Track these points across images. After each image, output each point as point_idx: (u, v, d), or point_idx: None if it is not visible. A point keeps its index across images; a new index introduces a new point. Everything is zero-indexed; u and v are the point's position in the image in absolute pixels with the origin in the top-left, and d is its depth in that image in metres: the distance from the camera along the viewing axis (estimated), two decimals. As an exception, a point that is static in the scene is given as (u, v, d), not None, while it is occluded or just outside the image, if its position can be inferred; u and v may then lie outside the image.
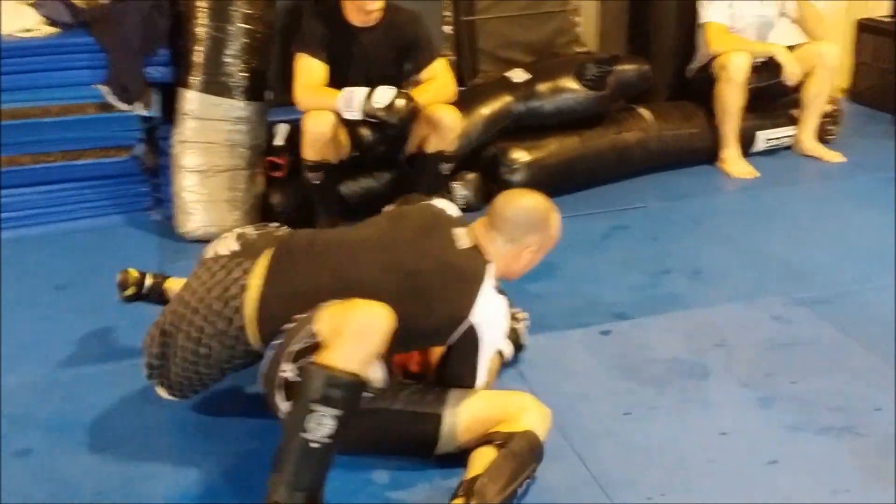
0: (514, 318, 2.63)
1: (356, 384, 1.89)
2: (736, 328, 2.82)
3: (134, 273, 2.74)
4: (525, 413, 2.14)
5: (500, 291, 2.30)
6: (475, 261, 2.20)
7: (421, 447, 2.18)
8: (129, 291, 2.73)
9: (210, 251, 2.32)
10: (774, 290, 3.05)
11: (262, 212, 3.67)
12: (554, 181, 3.88)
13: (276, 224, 2.52)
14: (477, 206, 3.75)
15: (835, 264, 3.24)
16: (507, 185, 3.77)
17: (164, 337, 2.19)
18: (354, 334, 1.91)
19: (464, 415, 2.14)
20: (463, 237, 2.24)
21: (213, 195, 3.57)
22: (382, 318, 1.95)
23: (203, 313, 2.14)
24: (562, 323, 2.87)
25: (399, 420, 2.16)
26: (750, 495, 2.09)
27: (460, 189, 3.78)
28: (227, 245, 2.30)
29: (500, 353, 2.49)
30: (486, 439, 2.07)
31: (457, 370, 2.22)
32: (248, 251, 2.24)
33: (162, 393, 2.28)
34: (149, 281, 2.73)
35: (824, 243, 3.43)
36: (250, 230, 2.41)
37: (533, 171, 3.82)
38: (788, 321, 2.85)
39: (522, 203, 2.32)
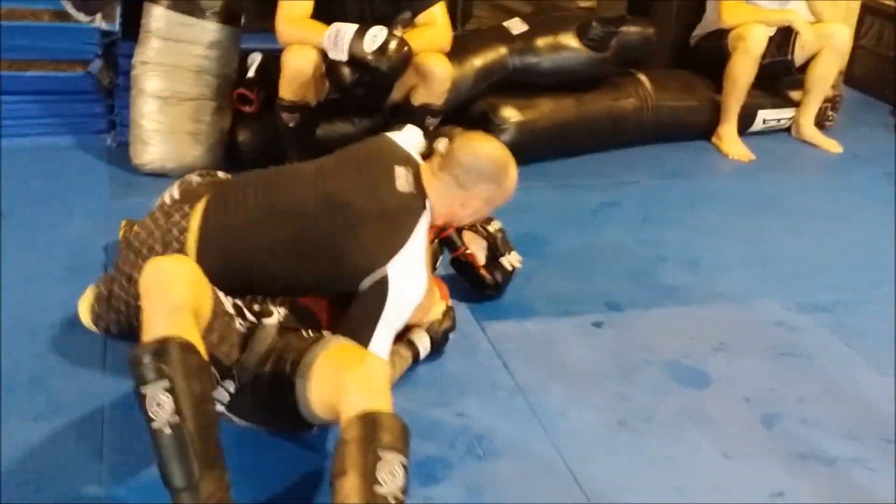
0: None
1: (163, 348, 1.62)
2: (736, 331, 2.63)
3: None
4: (346, 389, 1.73)
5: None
6: (409, 206, 2.11)
7: (295, 419, 1.89)
8: None
9: (157, 202, 2.27)
10: (775, 292, 2.86)
11: (226, 149, 3.35)
12: (544, 145, 3.65)
13: (222, 173, 2.51)
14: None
15: (836, 268, 3.07)
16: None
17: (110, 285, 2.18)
18: (152, 300, 1.71)
19: (309, 383, 1.82)
20: (404, 177, 2.14)
21: (174, 125, 3.24)
22: (175, 271, 1.75)
23: (147, 258, 1.98)
24: (550, 309, 2.65)
25: (269, 389, 1.88)
26: (754, 531, 1.92)
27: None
28: (169, 194, 2.28)
29: (412, 345, 2.28)
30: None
31: (352, 326, 2.03)
32: (189, 197, 2.19)
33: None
34: None
35: (824, 243, 3.25)
36: (193, 177, 2.43)
37: (523, 131, 3.56)
38: (791, 328, 2.66)
39: (482, 149, 2.20)
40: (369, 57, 2.88)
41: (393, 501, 1.58)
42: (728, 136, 4.00)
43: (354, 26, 2.90)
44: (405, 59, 2.94)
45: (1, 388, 2.10)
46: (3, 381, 2.12)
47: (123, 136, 3.37)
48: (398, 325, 2.09)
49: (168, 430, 1.58)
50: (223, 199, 2.15)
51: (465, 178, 2.15)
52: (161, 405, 1.59)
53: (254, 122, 3.36)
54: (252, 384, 1.90)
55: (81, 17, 3.23)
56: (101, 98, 3.43)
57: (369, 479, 1.59)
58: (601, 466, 2.04)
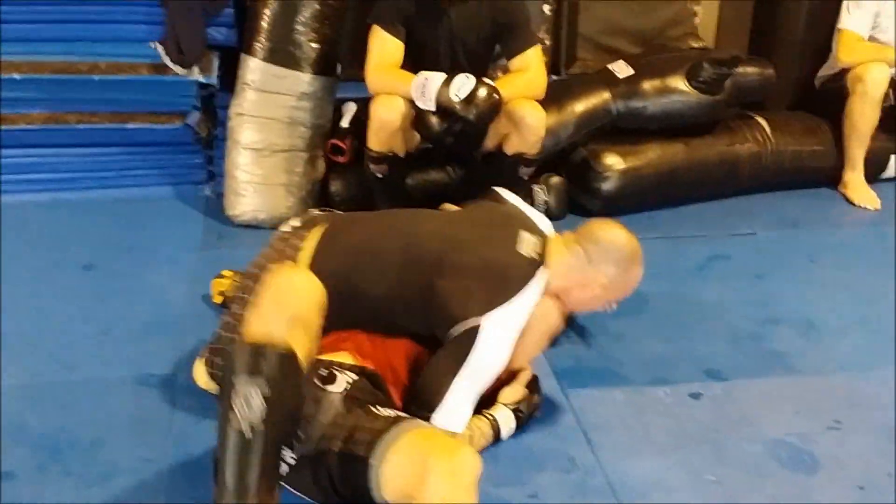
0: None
1: (270, 351, 1.61)
2: (853, 406, 2.35)
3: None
4: (430, 478, 1.60)
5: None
6: (524, 269, 2.10)
7: (362, 498, 1.74)
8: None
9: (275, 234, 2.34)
10: (901, 360, 2.55)
11: (319, 200, 3.31)
12: (650, 194, 3.45)
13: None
14: (558, 214, 3.32)
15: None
16: (596, 194, 3.37)
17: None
18: (272, 297, 1.71)
19: (386, 466, 1.69)
20: (529, 243, 2.16)
21: (267, 177, 3.22)
22: (303, 283, 1.77)
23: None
24: (643, 377, 2.44)
25: (336, 468, 1.76)
26: None
27: (541, 194, 3.34)
28: (290, 224, 2.32)
29: (495, 424, 2.11)
30: None
31: (432, 374, 2.02)
32: (309, 224, 2.25)
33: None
34: None
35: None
36: (315, 211, 2.53)
37: (627, 180, 3.38)
38: (918, 404, 2.37)
39: (621, 232, 2.23)
40: (457, 106, 2.77)
41: None
42: (854, 183, 3.69)
43: (442, 75, 2.80)
44: (494, 108, 2.81)
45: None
46: (68, 440, 2.10)
47: (221, 187, 3.38)
48: (479, 385, 2.02)
49: (249, 435, 1.54)
50: (344, 225, 2.23)
51: (597, 255, 2.16)
52: (251, 405, 1.56)
53: (347, 172, 3.31)
54: (315, 459, 1.78)
55: (179, 69, 3.25)
56: (199, 149, 3.46)
57: None
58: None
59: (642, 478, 2.06)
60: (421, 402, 2.00)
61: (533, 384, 2.23)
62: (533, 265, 2.11)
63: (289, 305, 1.70)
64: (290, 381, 1.62)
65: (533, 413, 2.20)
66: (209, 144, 3.46)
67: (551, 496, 2.00)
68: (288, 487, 1.83)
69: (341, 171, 3.32)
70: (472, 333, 1.98)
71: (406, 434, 1.71)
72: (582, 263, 2.16)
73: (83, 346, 2.48)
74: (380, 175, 3.03)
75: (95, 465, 2.03)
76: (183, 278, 2.85)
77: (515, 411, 2.15)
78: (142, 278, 2.84)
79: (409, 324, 2.15)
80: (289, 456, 1.79)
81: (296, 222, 2.30)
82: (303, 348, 1.67)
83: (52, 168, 3.34)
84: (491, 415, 2.12)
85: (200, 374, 2.24)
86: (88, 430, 2.14)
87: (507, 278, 2.06)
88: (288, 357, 1.62)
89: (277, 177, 3.23)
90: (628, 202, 3.35)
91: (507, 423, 2.13)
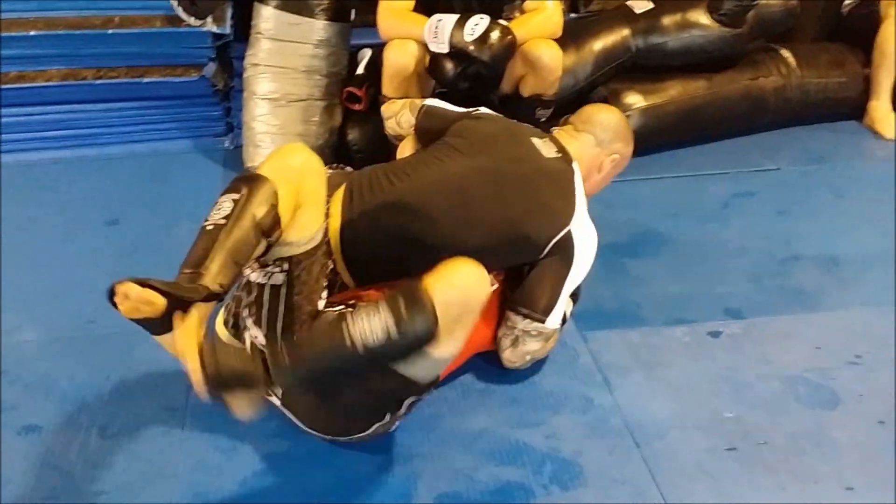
0: None
1: (257, 177, 1.69)
2: (875, 341, 2.33)
3: None
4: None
5: None
6: (563, 168, 2.19)
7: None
8: None
9: None
10: (925, 295, 2.52)
11: (336, 148, 3.30)
12: (673, 132, 3.40)
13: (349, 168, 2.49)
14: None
15: None
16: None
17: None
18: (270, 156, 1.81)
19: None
20: (544, 145, 2.21)
21: (284, 127, 3.20)
22: (301, 152, 1.81)
23: None
24: (661, 316, 2.43)
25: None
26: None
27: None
28: None
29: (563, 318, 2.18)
30: None
31: (536, 290, 2.12)
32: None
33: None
34: None
35: None
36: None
37: (649, 118, 3.32)
38: (941, 338, 2.34)
39: (611, 111, 2.39)
40: (470, 47, 2.72)
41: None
42: (880, 114, 3.59)
43: (455, 16, 2.76)
44: (509, 48, 2.77)
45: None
46: (93, 392, 2.14)
47: (240, 139, 3.37)
48: (580, 280, 2.17)
49: (210, 227, 1.64)
50: (366, 183, 2.11)
51: (604, 136, 2.29)
52: (220, 209, 1.66)
53: (363, 120, 3.28)
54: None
55: (192, 20, 3.23)
56: (217, 101, 3.45)
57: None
58: (702, 499, 1.84)
59: (659, 417, 2.07)
60: (537, 309, 2.11)
61: None
62: (564, 161, 2.19)
63: (287, 160, 1.77)
64: (263, 203, 1.65)
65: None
66: (226, 96, 3.45)
67: (569, 437, 2.02)
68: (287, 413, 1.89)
69: (358, 119, 3.29)
70: (568, 241, 2.10)
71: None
72: (593, 149, 2.28)
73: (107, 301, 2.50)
74: (396, 122, 3.01)
75: (121, 417, 2.07)
76: (203, 231, 2.87)
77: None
78: (166, 232, 2.86)
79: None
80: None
81: None
82: (287, 202, 1.69)
83: (71, 125, 3.35)
84: None
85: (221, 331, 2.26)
86: (114, 382, 2.18)
87: (560, 183, 2.15)
88: (271, 188, 1.66)
89: (294, 126, 3.22)
90: (650, 141, 3.29)
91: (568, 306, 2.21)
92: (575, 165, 2.20)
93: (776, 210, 3.01)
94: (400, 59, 2.84)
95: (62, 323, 2.41)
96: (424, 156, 2.22)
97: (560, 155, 2.20)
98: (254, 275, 1.78)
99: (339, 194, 2.08)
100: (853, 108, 3.67)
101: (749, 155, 3.42)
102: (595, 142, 2.29)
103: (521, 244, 2.10)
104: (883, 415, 2.07)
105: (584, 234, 2.14)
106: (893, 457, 1.95)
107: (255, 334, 1.80)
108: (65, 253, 2.75)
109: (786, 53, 3.60)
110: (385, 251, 2.02)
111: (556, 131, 2.32)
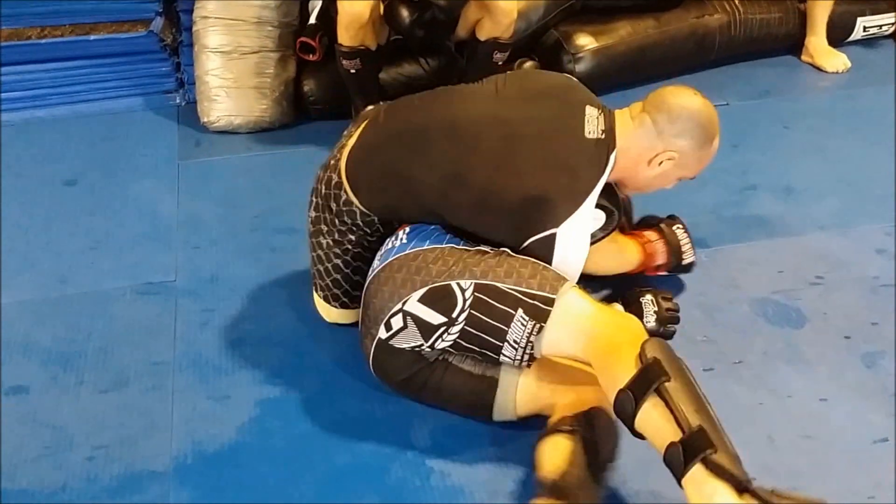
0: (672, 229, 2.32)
1: None
2: (834, 263, 2.44)
3: None
4: (586, 386, 1.78)
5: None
6: (593, 156, 1.83)
7: (480, 410, 1.88)
8: None
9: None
10: (875, 217, 2.64)
11: (293, 100, 3.28)
12: (623, 72, 3.46)
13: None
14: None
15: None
16: (571, 75, 3.31)
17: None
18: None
19: (522, 383, 1.83)
20: (595, 120, 1.86)
21: (239, 80, 3.17)
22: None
23: (316, 183, 2.06)
24: (630, 249, 2.50)
25: (461, 378, 1.85)
26: (853, 481, 1.77)
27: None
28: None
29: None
30: (552, 427, 1.73)
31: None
32: (357, 121, 2.11)
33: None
34: None
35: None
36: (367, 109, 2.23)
37: (600, 59, 3.38)
38: (894, 256, 2.45)
39: (693, 99, 1.94)
40: (426, -8, 2.74)
41: None
42: (819, 48, 3.70)
43: (410, -38, 2.76)
44: (464, -8, 2.79)
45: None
46: (75, 351, 2.13)
47: (192, 95, 3.33)
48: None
49: None
50: (387, 113, 2.03)
51: (667, 125, 1.87)
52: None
53: (319, 71, 3.26)
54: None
55: (138, -25, 3.17)
56: (166, 57, 3.39)
57: None
58: (684, 417, 1.92)
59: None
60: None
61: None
62: (601, 147, 1.84)
63: None
64: None
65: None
66: (175, 51, 3.39)
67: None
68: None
69: (313, 69, 3.27)
70: (549, 243, 1.79)
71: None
72: (651, 136, 1.88)
73: (77, 261, 2.48)
74: (353, 71, 2.99)
75: (107, 372, 2.07)
76: (166, 188, 2.85)
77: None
78: (125, 190, 2.83)
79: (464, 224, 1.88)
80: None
81: (349, 128, 2.11)
82: None
83: (16, 86, 3.25)
84: None
85: (324, 308, 2.18)
86: (95, 340, 2.17)
87: (577, 176, 1.81)
88: None
89: (249, 79, 3.19)
90: (603, 81, 3.34)
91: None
92: (613, 154, 1.85)
93: (730, 144, 3.07)
94: (355, 7, 2.83)
95: (35, 285, 2.38)
96: (459, 91, 2.03)
97: (602, 136, 1.85)
98: None
99: (362, 125, 2.06)
100: (791, 43, 3.77)
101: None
102: (655, 129, 1.88)
103: (496, 222, 1.84)
104: (848, 330, 2.18)
105: (572, 246, 1.81)
106: (860, 368, 2.06)
107: None
108: (27, 215, 2.70)
109: (729, -10, 3.67)
110: (377, 179, 1.96)
111: (619, 111, 1.94)
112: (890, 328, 2.18)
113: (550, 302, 1.69)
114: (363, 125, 2.05)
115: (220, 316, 2.25)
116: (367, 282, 1.91)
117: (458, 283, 1.73)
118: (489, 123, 1.87)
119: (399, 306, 1.77)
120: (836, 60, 3.69)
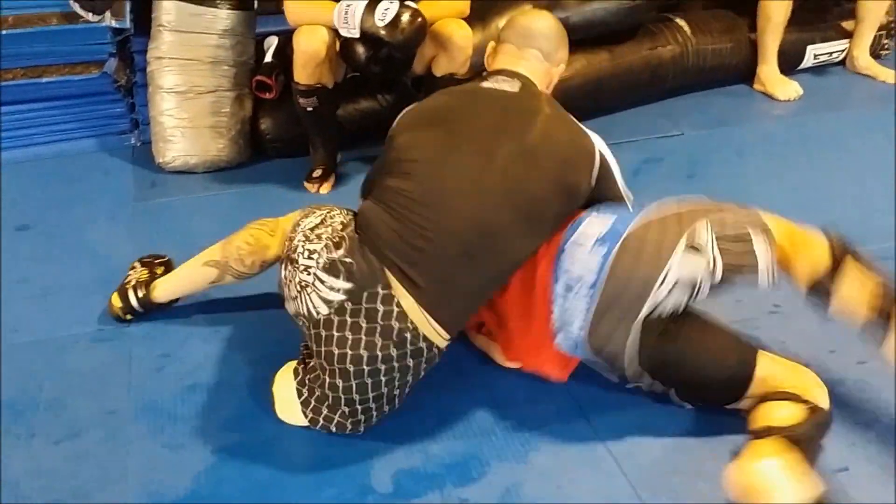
0: None
1: None
2: (789, 293, 2.42)
3: (116, 305, 2.35)
4: (815, 389, 1.93)
5: None
6: (535, 90, 2.08)
7: (730, 385, 1.97)
8: (128, 318, 2.37)
9: None
10: (832, 244, 2.65)
11: (250, 139, 3.27)
12: (580, 104, 3.38)
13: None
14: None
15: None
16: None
17: None
18: None
19: (774, 364, 1.98)
20: (503, 81, 2.04)
21: (194, 120, 3.16)
22: None
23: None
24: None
25: (720, 339, 2.04)
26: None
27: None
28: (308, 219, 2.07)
29: None
30: (785, 395, 1.86)
31: (613, 197, 2.18)
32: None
33: None
34: (133, 301, 2.34)
35: (885, 183, 3.01)
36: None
37: (556, 92, 3.34)
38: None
39: (544, 16, 2.21)
40: (381, 32, 2.74)
41: None
42: (771, 77, 3.76)
43: (364, 2, 2.77)
44: (420, 31, 2.79)
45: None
46: (26, 401, 2.08)
47: (147, 135, 3.31)
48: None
49: None
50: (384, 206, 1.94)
51: (549, 46, 2.12)
52: None
53: (275, 109, 3.26)
54: None
55: (90, 16, 3.15)
56: (120, 98, 3.37)
57: None
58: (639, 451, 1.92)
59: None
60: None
61: None
62: (530, 87, 2.06)
63: None
64: None
65: None
66: (129, 92, 3.37)
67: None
68: None
69: (270, 107, 3.27)
70: (602, 158, 2.11)
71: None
72: (542, 63, 2.12)
73: (29, 308, 2.44)
74: (310, 109, 2.99)
75: (60, 423, 2.02)
76: (121, 231, 2.82)
77: None
78: (80, 234, 2.80)
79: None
80: None
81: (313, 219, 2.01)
82: None
83: (-32, 130, 3.23)
84: None
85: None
86: (48, 390, 2.13)
87: (558, 107, 2.07)
88: None
89: (204, 119, 3.18)
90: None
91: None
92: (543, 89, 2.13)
93: (686, 174, 3.13)
94: (311, 45, 2.83)
95: (-16, 333, 2.34)
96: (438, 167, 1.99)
97: (521, 84, 2.03)
98: None
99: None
100: (743, 72, 3.83)
101: (653, 123, 3.54)
102: (542, 56, 2.11)
103: (578, 190, 2.09)
104: (806, 358, 2.18)
105: (604, 146, 2.15)
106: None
107: None
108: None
109: (681, 22, 3.73)
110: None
111: (498, 56, 2.13)
112: (846, 357, 2.19)
113: None
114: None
115: (176, 361, 2.21)
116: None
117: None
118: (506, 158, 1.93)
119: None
120: (787, 88, 3.75)
